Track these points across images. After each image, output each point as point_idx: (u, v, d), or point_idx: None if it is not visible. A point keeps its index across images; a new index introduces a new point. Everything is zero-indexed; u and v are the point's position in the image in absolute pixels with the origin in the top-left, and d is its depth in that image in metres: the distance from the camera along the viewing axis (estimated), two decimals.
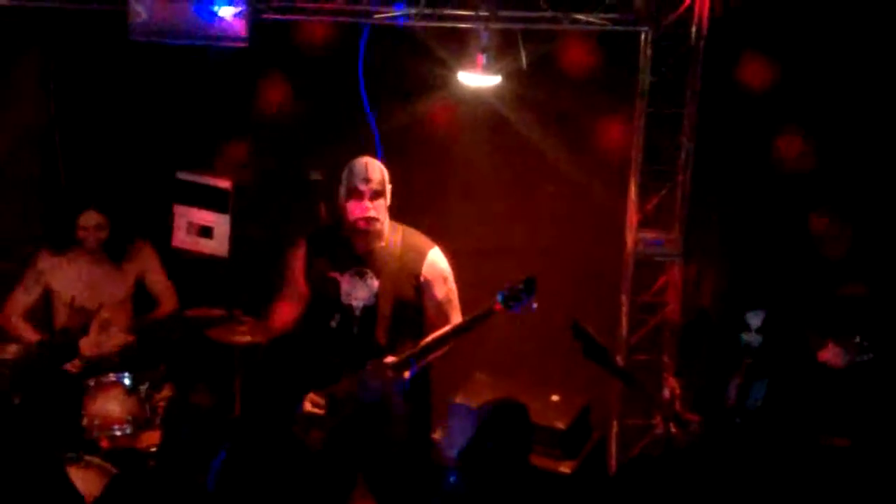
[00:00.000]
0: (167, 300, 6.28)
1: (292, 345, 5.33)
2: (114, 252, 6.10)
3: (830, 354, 5.22)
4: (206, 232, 6.90)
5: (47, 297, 6.13)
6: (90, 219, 6.01)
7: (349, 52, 6.30)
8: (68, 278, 6.06)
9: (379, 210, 5.03)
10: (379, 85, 6.53)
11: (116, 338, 5.92)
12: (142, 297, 6.27)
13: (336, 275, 5.08)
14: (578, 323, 4.99)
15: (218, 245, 6.88)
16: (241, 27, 6.05)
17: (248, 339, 5.88)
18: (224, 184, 6.83)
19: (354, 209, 5.02)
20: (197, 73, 6.75)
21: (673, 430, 5.17)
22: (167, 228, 6.92)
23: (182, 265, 6.48)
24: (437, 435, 5.77)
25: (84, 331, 5.86)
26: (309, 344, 5.18)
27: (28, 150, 7.04)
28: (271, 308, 5.34)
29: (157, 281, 6.28)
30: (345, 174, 5.10)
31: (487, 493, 4.25)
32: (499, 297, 4.93)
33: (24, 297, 6.08)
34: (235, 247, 6.88)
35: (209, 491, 3.44)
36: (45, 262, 6.07)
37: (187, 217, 6.93)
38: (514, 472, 4.31)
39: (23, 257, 6.24)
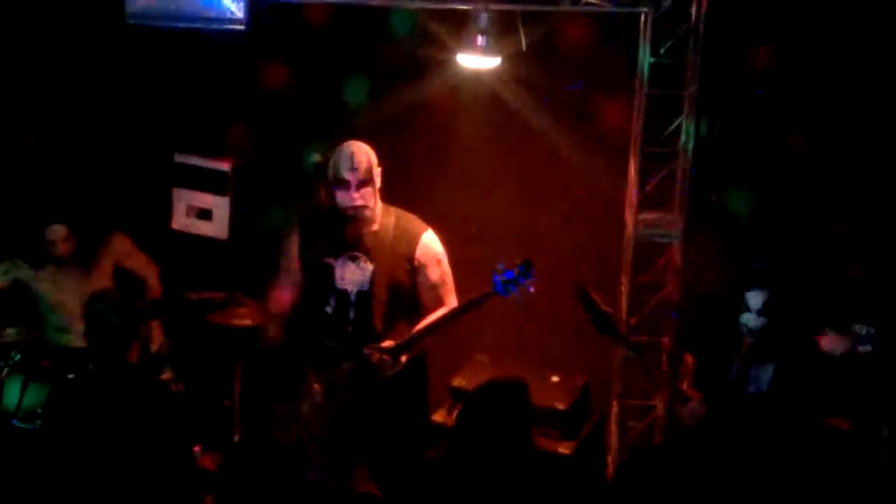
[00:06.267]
0: (152, 278, 6.22)
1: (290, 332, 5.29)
2: (84, 260, 6.04)
3: (828, 342, 5.20)
4: (205, 214, 6.92)
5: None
6: (54, 232, 5.94)
7: (348, 33, 6.27)
8: (44, 287, 6.03)
9: (367, 197, 4.99)
10: (377, 66, 6.52)
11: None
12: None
13: (330, 260, 5.07)
14: (584, 287, 4.98)
15: (217, 228, 6.91)
16: (239, 9, 6.03)
17: (248, 322, 5.90)
18: (223, 166, 6.84)
19: (342, 198, 5.00)
20: (195, 56, 6.74)
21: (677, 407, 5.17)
22: (166, 212, 6.93)
23: (182, 248, 6.46)
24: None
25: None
26: (305, 330, 5.16)
27: (27, 138, 7.05)
28: (268, 292, 5.33)
29: (137, 263, 6.21)
30: (332, 161, 5.06)
31: (486, 473, 4.21)
32: (495, 280, 4.91)
33: None
34: (235, 229, 6.90)
35: None
36: (22, 267, 6.04)
37: (186, 200, 6.95)
38: (514, 451, 4.27)
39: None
